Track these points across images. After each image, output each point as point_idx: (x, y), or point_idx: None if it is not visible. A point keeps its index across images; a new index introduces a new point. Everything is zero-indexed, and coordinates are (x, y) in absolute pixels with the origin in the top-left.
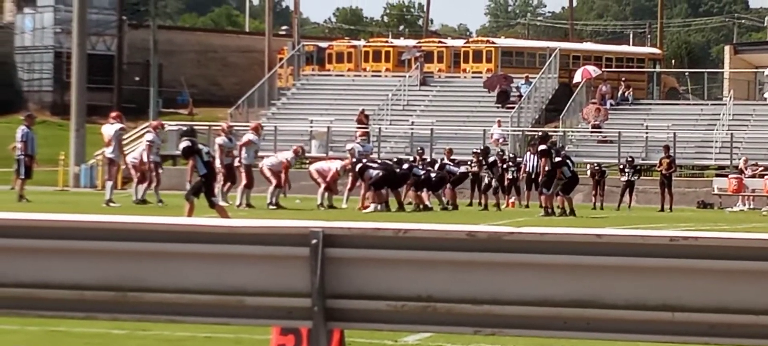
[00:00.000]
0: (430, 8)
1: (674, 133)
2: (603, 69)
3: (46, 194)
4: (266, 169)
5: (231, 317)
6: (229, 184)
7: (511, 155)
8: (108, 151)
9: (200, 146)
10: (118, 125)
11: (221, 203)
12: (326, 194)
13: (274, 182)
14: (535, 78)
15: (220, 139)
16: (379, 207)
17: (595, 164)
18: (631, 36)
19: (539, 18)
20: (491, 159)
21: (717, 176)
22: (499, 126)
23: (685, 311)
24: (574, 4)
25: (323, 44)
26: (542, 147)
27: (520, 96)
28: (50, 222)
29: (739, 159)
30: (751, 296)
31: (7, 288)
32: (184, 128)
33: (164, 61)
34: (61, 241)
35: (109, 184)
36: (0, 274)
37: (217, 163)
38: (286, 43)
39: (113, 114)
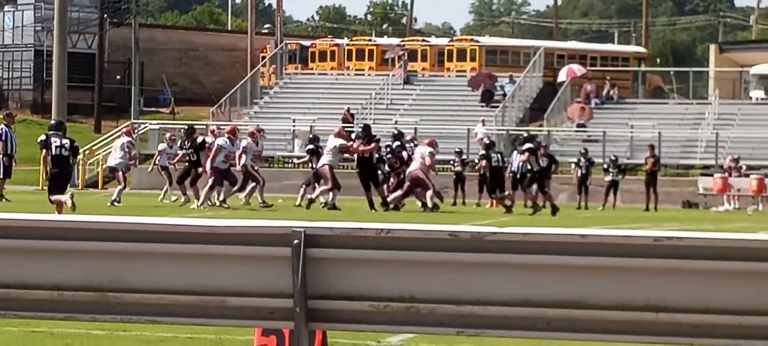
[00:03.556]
0: (413, 6)
1: (659, 133)
2: (588, 68)
3: (26, 194)
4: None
5: (212, 318)
6: (254, 185)
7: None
8: (112, 160)
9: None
10: (126, 139)
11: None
12: (331, 194)
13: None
14: (519, 77)
15: (246, 142)
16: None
17: (581, 150)
18: (615, 35)
19: (524, 16)
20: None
21: (702, 175)
22: (484, 125)
23: (669, 311)
24: (559, 2)
25: (306, 43)
26: (528, 146)
27: (505, 95)
28: (30, 222)
29: (724, 158)
30: (736, 296)
31: None
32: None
33: (146, 59)
34: (41, 241)
35: (119, 188)
36: None
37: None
38: (268, 41)
39: (125, 129)
